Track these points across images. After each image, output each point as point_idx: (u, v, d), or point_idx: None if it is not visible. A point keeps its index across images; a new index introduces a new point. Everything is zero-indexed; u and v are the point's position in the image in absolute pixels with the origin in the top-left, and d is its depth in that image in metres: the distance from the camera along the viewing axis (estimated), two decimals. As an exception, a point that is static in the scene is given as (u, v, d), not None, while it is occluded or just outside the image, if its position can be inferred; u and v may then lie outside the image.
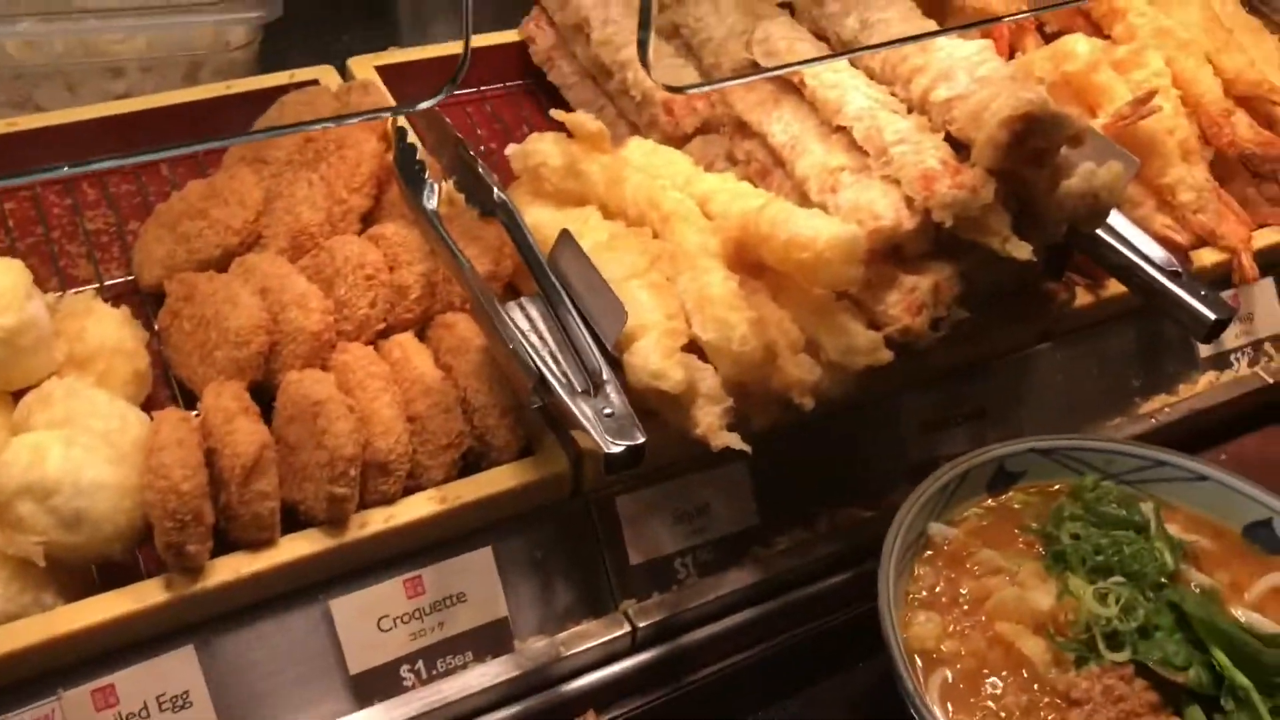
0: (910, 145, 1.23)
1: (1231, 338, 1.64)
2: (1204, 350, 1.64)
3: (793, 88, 1.39)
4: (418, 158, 1.32)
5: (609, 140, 1.37)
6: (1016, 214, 1.27)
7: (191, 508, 1.05)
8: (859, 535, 1.37)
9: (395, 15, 1.92)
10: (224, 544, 1.13)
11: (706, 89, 1.39)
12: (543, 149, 1.36)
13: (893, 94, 1.34)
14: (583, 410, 1.10)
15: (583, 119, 1.35)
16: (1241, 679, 1.06)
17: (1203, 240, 1.62)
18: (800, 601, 1.33)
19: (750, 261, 1.29)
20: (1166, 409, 1.60)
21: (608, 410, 1.10)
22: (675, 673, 1.27)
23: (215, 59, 1.77)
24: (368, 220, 1.41)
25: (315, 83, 1.66)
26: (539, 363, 1.14)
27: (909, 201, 1.23)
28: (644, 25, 0.91)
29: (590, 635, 1.23)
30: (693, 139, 1.55)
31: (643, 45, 0.92)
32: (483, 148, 1.74)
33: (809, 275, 1.20)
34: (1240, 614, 1.18)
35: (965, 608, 1.16)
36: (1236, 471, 1.30)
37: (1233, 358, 1.66)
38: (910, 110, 1.31)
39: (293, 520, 1.16)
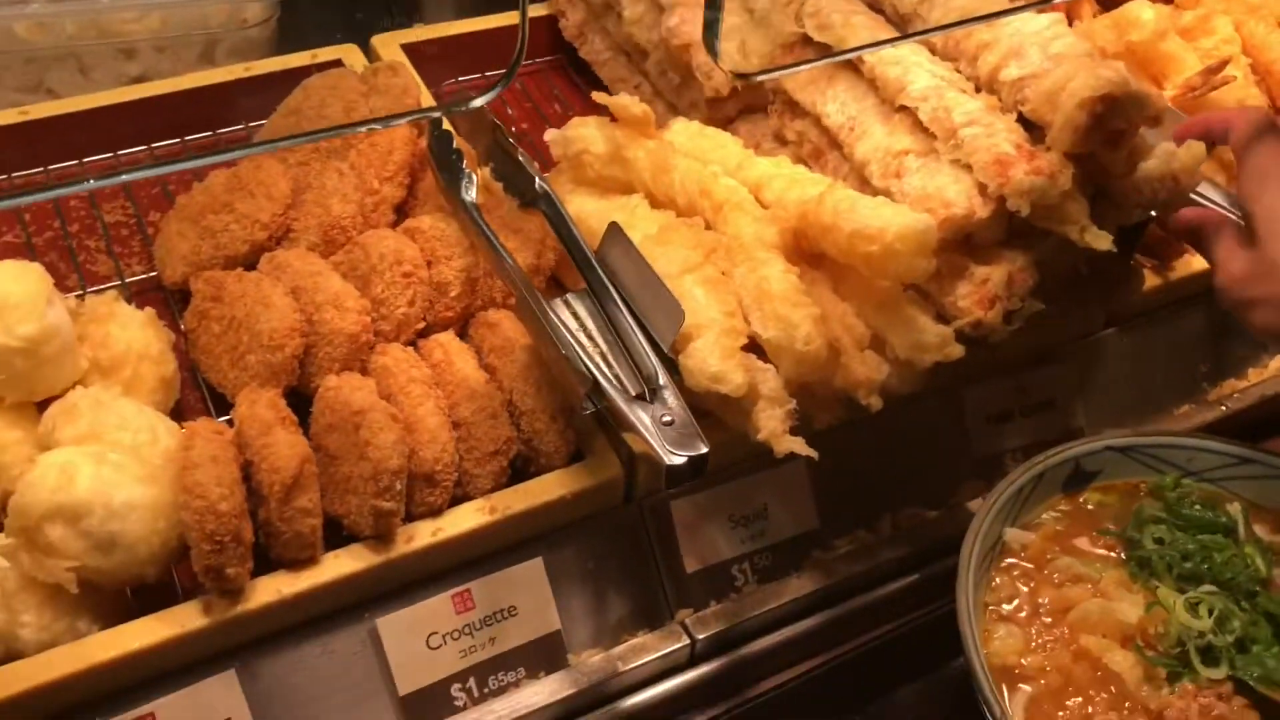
0: (982, 127, 1.16)
1: (1304, 319, 1.56)
2: (1275, 332, 1.56)
3: (848, 64, 1.31)
4: (454, 146, 1.24)
5: (654, 124, 1.29)
6: (1092, 199, 1.20)
7: (230, 529, 0.99)
8: (923, 536, 1.31)
9: (417, -11, 1.84)
10: (264, 560, 1.07)
11: (776, 75, 1.31)
12: (585, 135, 1.29)
13: (957, 70, 1.26)
14: (640, 418, 1.03)
15: (626, 102, 1.27)
16: (1349, 699, 1.00)
17: (1274, 217, 1.53)
18: (865, 608, 1.27)
19: (809, 252, 1.22)
20: (1236, 395, 1.53)
21: (666, 418, 1.03)
22: (737, 686, 1.22)
23: (231, 37, 1.70)
24: (400, 211, 1.34)
25: (339, 63, 1.59)
26: (592, 366, 1.07)
27: (981, 188, 1.15)
28: (712, 4, 0.83)
29: (647, 648, 1.18)
30: (736, 120, 1.47)
31: (710, 28, 0.84)
32: (514, 129, 1.66)
33: (876, 269, 1.13)
34: (1337, 622, 1.12)
35: (1047, 620, 1.10)
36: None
37: (1304, 339, 1.59)
38: (977, 89, 1.23)
39: (334, 531, 1.11)
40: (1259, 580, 1.11)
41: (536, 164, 1.26)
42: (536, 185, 1.23)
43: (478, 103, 0.82)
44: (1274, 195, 1.16)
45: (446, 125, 1.30)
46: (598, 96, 1.31)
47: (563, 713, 1.14)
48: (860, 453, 1.29)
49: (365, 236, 1.24)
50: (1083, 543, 1.17)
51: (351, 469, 1.07)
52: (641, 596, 1.20)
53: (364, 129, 0.93)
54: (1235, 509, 1.18)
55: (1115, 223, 1.24)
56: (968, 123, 1.17)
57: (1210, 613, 1.06)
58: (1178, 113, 1.37)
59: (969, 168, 1.16)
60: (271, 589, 1.05)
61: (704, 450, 1.01)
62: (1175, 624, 1.06)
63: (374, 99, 1.43)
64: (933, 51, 1.28)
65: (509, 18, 1.78)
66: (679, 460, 1.01)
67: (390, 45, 1.63)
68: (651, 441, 1.02)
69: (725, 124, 1.48)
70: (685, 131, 1.36)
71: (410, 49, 1.62)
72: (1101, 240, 1.14)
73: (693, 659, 1.19)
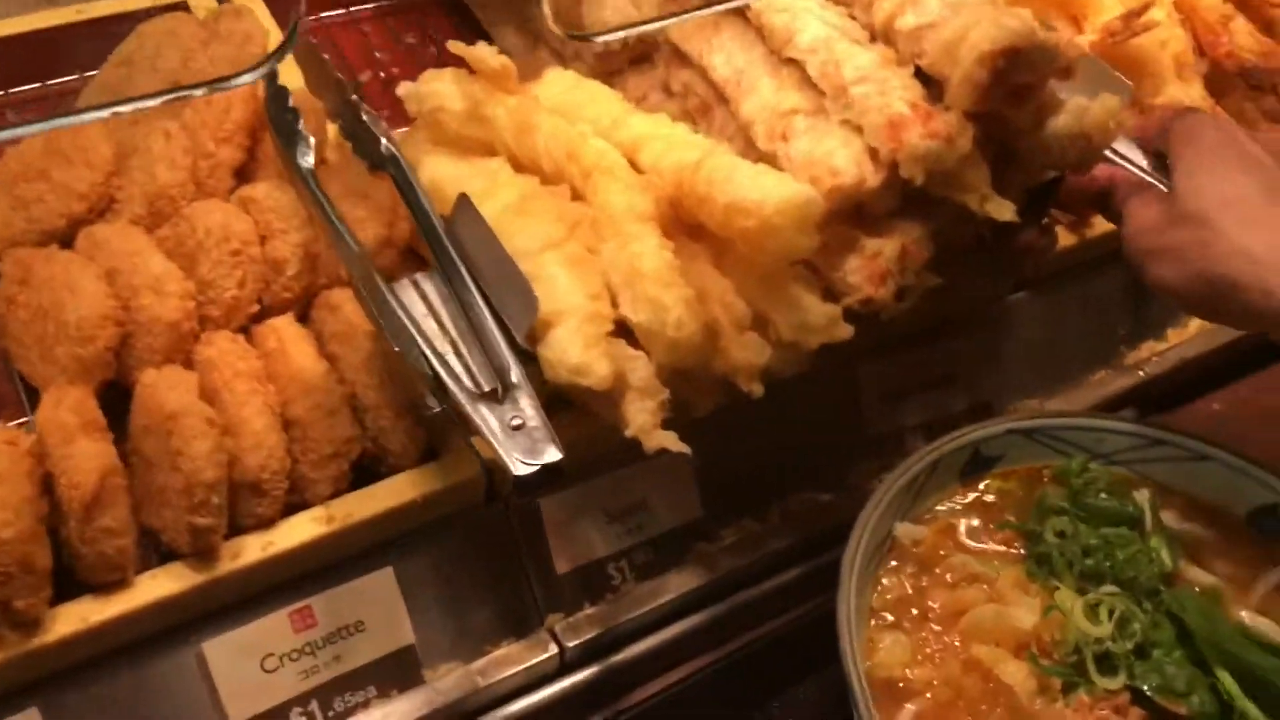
0: (874, 84, 1.04)
1: (1225, 277, 1.48)
2: (1195, 291, 1.48)
3: (738, 11, 1.18)
4: (290, 105, 1.11)
5: (515, 78, 1.16)
6: (994, 160, 1.09)
7: (14, 557, 0.87)
8: (815, 523, 1.23)
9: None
10: (71, 582, 0.95)
11: (621, 35, 1.18)
12: (439, 90, 1.16)
13: (851, 18, 1.14)
14: (486, 421, 0.92)
15: (484, 53, 1.14)
16: (1253, 711, 0.93)
17: (1197, 169, 1.44)
18: (753, 602, 1.19)
19: (689, 221, 1.10)
20: (1155, 358, 1.45)
21: (516, 420, 0.93)
22: (614, 693, 1.13)
23: (71, -27, 1.53)
24: (241, 176, 1.21)
25: (183, 5, 1.43)
26: (435, 360, 0.96)
27: (873, 153, 1.04)
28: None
29: (511, 660, 1.08)
30: (627, 70, 1.34)
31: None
32: (383, 74, 1.52)
33: (755, 245, 1.02)
34: (1245, 616, 1.05)
35: (937, 627, 1.01)
36: (1238, 444, 1.15)
37: (1225, 297, 1.50)
38: (872, 38, 1.11)
39: (159, 546, 0.99)
40: (1163, 576, 1.03)
41: (385, 122, 1.13)
42: (383, 148, 1.11)
43: (243, 80, 0.69)
44: (1197, 148, 1.09)
45: (285, 80, 1.15)
46: (454, 46, 1.17)
47: (417, 733, 1.05)
48: (746, 436, 1.19)
49: (191, 208, 1.11)
50: (980, 537, 1.09)
51: (165, 480, 0.96)
52: (507, 603, 1.10)
53: (136, 102, 0.79)
54: (1143, 496, 1.10)
55: (1021, 185, 1.14)
56: (859, 79, 1.05)
57: (1110, 615, 0.98)
58: (1094, 60, 1.26)
59: (860, 130, 1.05)
60: (75, 617, 0.93)
61: (557, 458, 0.91)
62: (1073, 629, 0.98)
63: (214, 46, 1.29)
64: (825, -4, 1.16)
65: (381, -52, 1.63)
66: (527, 470, 0.90)
67: (244, -17, 1.47)
68: (497, 448, 0.91)
69: (613, 74, 1.35)
70: (559, 83, 1.23)
71: (267, -12, 1.47)
72: (1004, 210, 1.04)
73: (562, 668, 1.10)
